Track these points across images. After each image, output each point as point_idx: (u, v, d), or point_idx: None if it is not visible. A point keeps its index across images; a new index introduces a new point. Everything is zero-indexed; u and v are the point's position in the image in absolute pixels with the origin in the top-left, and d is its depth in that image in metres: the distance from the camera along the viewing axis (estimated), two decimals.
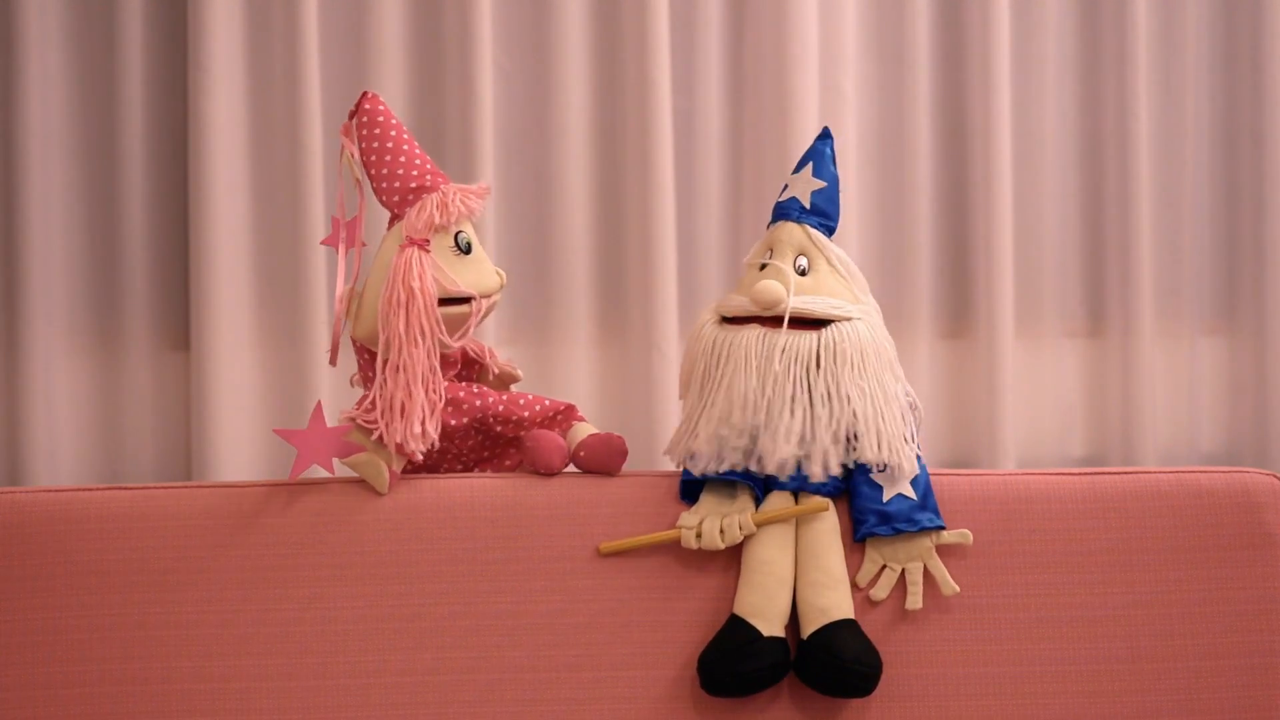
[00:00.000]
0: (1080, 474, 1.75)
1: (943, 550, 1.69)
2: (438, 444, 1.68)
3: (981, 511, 1.72)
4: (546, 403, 1.76)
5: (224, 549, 1.66)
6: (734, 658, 1.62)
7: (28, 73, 2.19)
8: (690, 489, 1.70)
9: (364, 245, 1.73)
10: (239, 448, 2.25)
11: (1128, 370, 2.42)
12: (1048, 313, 2.44)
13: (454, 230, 1.69)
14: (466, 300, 1.68)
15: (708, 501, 1.69)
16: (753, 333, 1.67)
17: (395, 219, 1.70)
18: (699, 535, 1.66)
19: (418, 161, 1.70)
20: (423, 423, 1.64)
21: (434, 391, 1.66)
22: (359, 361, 1.74)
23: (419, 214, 1.67)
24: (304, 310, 2.25)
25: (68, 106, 2.24)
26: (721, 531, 1.66)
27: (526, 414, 1.75)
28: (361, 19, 2.29)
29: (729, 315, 1.70)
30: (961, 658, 1.68)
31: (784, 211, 1.74)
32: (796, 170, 1.75)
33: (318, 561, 1.66)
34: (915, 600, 1.68)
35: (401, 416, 1.64)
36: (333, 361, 1.74)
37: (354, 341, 1.72)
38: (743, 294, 1.70)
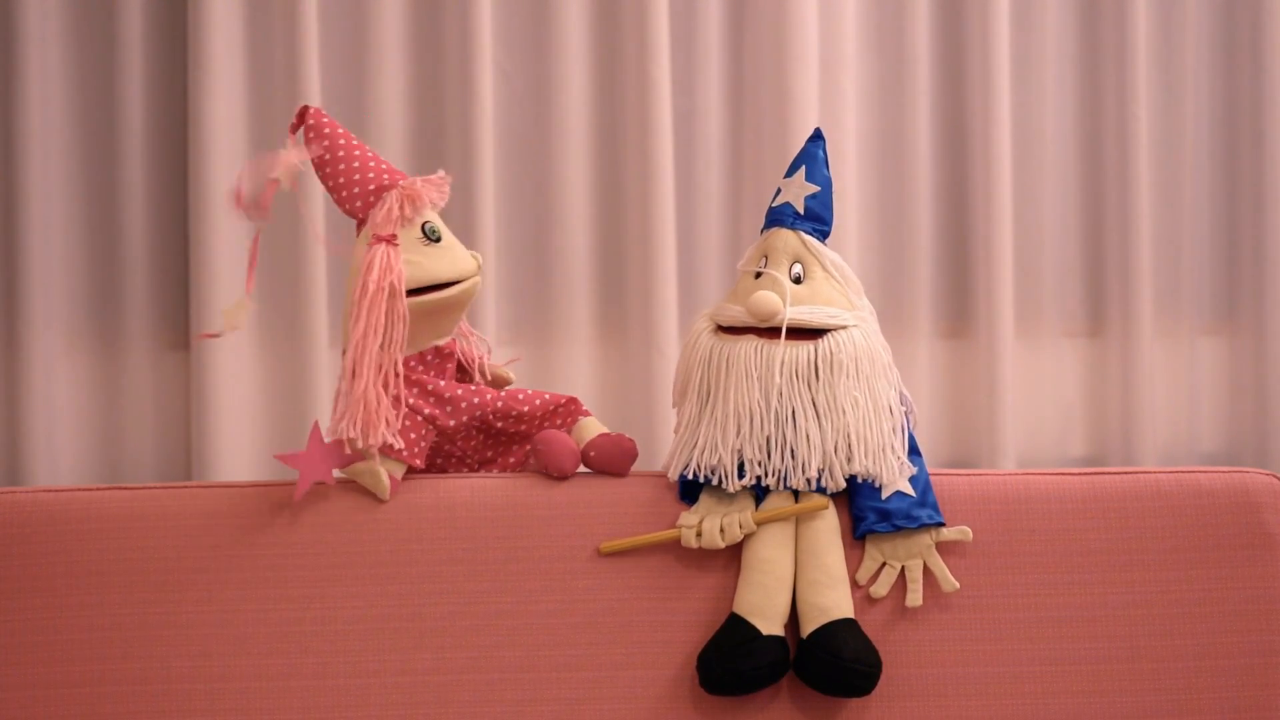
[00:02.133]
0: (1080, 474, 1.75)
1: (942, 549, 1.69)
2: (401, 444, 1.67)
3: (981, 511, 1.71)
4: (546, 396, 1.75)
5: (224, 549, 1.66)
6: (733, 656, 1.62)
7: (28, 72, 2.19)
8: (690, 489, 1.70)
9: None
10: (239, 448, 2.25)
11: (1127, 370, 2.42)
12: (1048, 313, 2.44)
13: (419, 222, 1.69)
14: (445, 286, 1.68)
15: (707, 501, 1.69)
16: (750, 344, 1.67)
17: (361, 224, 1.70)
18: (699, 534, 1.66)
19: (372, 163, 1.70)
20: (386, 422, 1.64)
21: (396, 389, 1.66)
22: None
23: (382, 211, 1.67)
24: (304, 310, 2.25)
25: (68, 106, 2.24)
26: (721, 530, 1.66)
27: (526, 408, 1.74)
28: (361, 19, 2.29)
29: (725, 325, 1.70)
30: (961, 657, 1.68)
31: (777, 218, 1.73)
32: (789, 174, 1.74)
33: (318, 561, 1.66)
34: (915, 598, 1.68)
35: (363, 418, 1.63)
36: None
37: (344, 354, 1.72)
38: (738, 302, 1.69)
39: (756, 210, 2.33)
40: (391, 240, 1.66)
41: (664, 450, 1.80)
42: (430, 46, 2.31)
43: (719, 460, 1.66)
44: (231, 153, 2.24)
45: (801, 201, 1.72)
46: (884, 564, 1.69)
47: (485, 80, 2.27)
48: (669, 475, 1.71)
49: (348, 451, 1.65)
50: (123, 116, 2.24)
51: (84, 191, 2.25)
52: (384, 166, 1.70)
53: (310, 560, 1.66)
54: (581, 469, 1.73)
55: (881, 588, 1.68)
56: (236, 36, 2.25)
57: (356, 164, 1.69)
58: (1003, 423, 2.37)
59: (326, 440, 1.66)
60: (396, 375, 1.66)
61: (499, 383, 1.80)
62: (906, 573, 1.68)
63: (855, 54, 2.38)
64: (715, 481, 1.67)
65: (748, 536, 1.67)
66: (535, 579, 1.67)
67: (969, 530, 1.69)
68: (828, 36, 2.35)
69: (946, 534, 1.69)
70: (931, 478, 1.71)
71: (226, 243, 2.23)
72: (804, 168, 1.73)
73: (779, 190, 1.74)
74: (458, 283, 1.69)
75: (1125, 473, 1.75)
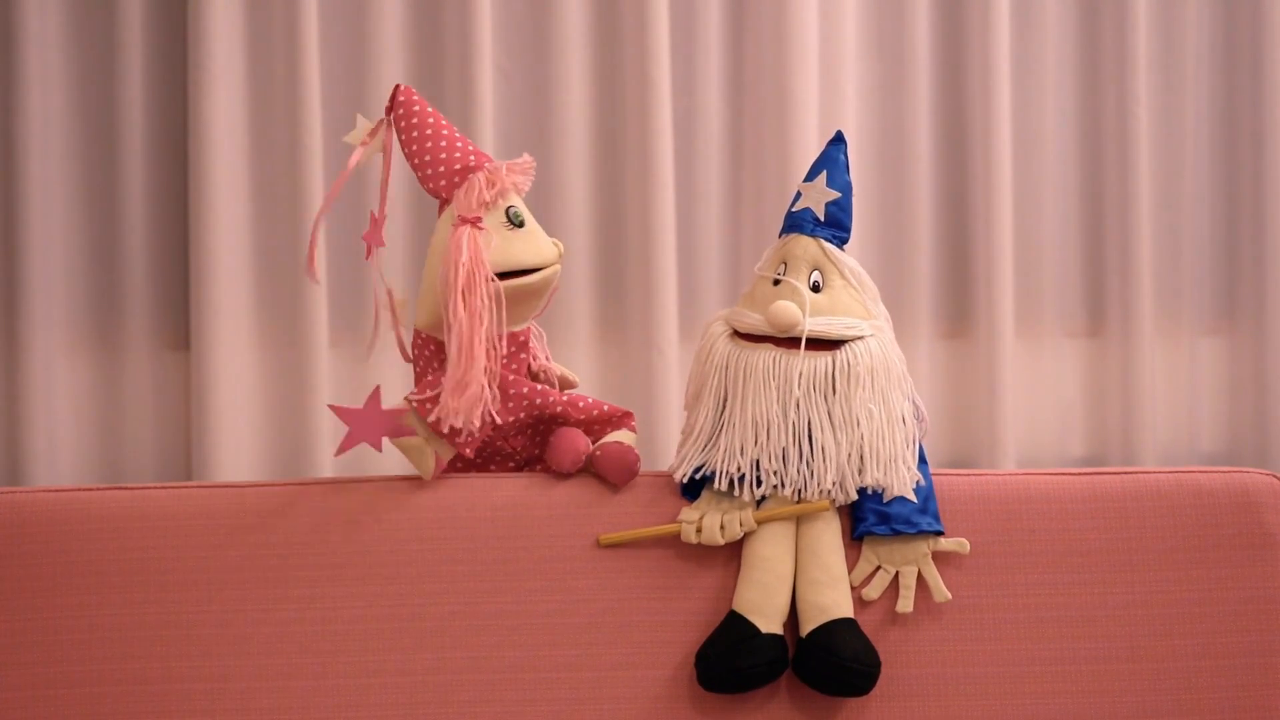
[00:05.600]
0: (1080, 474, 1.75)
1: (939, 553, 1.69)
2: (478, 432, 1.67)
3: (981, 511, 1.71)
4: (605, 408, 1.75)
5: (224, 549, 1.66)
6: (732, 654, 1.62)
7: (28, 73, 2.20)
8: (691, 485, 1.70)
9: (383, 245, 1.73)
10: (239, 448, 2.25)
11: (1128, 370, 2.42)
12: (1048, 313, 2.44)
13: (504, 206, 1.69)
14: (527, 273, 1.67)
15: (709, 497, 1.69)
16: (768, 353, 1.66)
17: (445, 204, 1.70)
18: (699, 530, 1.66)
19: (459, 144, 1.70)
20: (483, 402, 1.64)
21: (491, 372, 1.65)
22: (419, 354, 1.73)
23: (468, 193, 1.67)
24: (304, 311, 2.25)
25: (68, 106, 2.24)
26: (722, 528, 1.66)
27: (583, 417, 1.74)
28: (361, 19, 2.29)
29: (742, 331, 1.69)
30: (960, 657, 1.68)
31: (797, 224, 1.71)
32: (810, 178, 1.72)
33: (318, 561, 1.66)
34: (905, 604, 1.67)
35: (461, 396, 1.63)
36: (405, 357, 1.75)
37: (417, 333, 1.72)
38: (756, 309, 1.68)
39: (756, 210, 2.34)
40: (476, 223, 1.66)
41: (664, 451, 1.80)
42: (430, 46, 2.31)
43: (737, 468, 1.65)
44: (231, 153, 2.24)
45: (822, 207, 1.70)
46: (878, 567, 1.68)
47: (485, 80, 2.27)
48: (675, 477, 1.70)
49: (404, 423, 1.65)
50: (123, 116, 2.24)
51: (84, 191, 2.25)
52: (470, 148, 1.70)
53: (310, 560, 1.66)
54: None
55: (874, 591, 1.68)
56: (236, 36, 2.25)
57: (444, 143, 1.69)
58: (1003, 423, 2.37)
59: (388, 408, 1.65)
60: (497, 356, 1.66)
61: (563, 385, 1.80)
62: (900, 579, 1.68)
63: (855, 54, 2.38)
64: (724, 487, 1.67)
65: (748, 534, 1.67)
66: (535, 579, 1.67)
67: (966, 543, 1.69)
68: (828, 36, 2.35)
69: (944, 544, 1.69)
70: (932, 478, 1.71)
71: (226, 243, 2.23)
72: (825, 172, 1.71)
73: (799, 194, 1.72)
74: (540, 269, 1.69)
75: (1125, 473, 1.75)
